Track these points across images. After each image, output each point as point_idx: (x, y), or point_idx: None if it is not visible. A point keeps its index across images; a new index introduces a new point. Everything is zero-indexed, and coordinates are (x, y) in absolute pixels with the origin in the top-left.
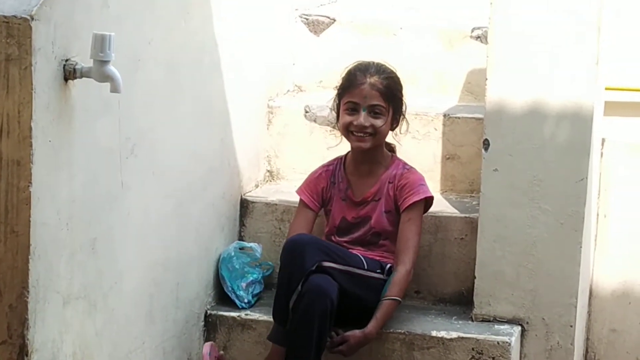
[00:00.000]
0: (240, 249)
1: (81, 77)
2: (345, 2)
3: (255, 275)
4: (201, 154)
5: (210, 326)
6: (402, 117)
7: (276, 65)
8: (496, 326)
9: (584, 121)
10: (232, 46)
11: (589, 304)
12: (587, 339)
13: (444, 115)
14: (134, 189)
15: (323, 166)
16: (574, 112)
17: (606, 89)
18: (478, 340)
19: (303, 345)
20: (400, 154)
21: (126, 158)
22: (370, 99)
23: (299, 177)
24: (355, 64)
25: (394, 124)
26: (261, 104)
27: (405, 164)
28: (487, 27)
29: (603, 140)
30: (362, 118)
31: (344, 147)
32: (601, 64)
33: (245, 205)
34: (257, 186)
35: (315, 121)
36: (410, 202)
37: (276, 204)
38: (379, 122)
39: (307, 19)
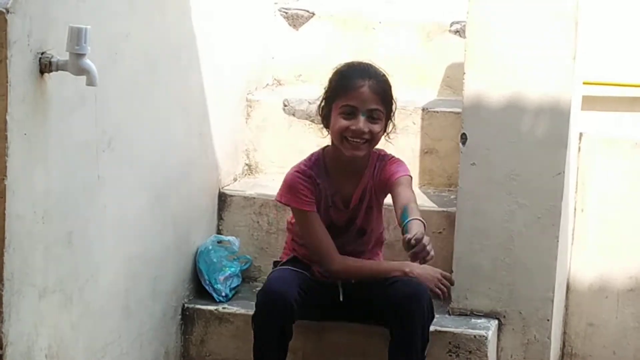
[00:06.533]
0: (218, 242)
1: (57, 70)
2: None
3: (233, 269)
4: (179, 148)
5: (188, 320)
6: (391, 120)
7: (255, 58)
8: (473, 320)
9: (561, 115)
10: (210, 39)
11: (566, 298)
12: (564, 333)
13: (423, 110)
14: (110, 183)
15: (300, 173)
16: (552, 106)
17: (584, 83)
18: (455, 334)
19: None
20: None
21: (103, 151)
22: (369, 102)
23: (278, 171)
24: (346, 65)
25: (386, 128)
26: (240, 98)
27: (380, 153)
28: (466, 21)
29: (580, 134)
30: (362, 123)
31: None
32: (578, 57)
33: (223, 199)
34: (235, 180)
35: (294, 115)
36: (396, 177)
37: (254, 198)
38: (376, 128)
39: (286, 13)
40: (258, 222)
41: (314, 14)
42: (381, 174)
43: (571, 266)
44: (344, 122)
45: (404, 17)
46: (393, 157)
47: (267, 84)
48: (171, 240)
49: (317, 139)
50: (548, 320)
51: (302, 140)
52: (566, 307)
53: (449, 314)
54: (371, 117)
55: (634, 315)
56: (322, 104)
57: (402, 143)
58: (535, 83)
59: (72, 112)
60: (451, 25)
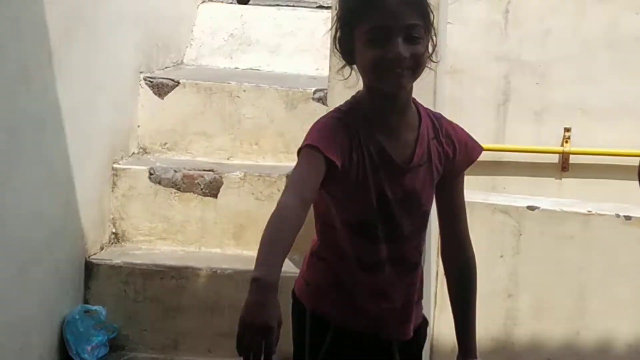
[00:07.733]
0: (84, 311)
1: None
2: (190, 65)
3: (100, 338)
4: (44, 217)
5: None
6: (432, 38)
7: (121, 127)
8: None
9: None
10: (75, 109)
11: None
12: None
13: (287, 176)
14: None
15: (331, 117)
16: None
17: None
18: None
19: None
20: (242, 215)
21: None
22: (404, 17)
23: (144, 239)
24: None
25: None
26: (106, 166)
27: (424, 107)
28: (327, 89)
29: None
30: (400, 47)
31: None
32: None
33: (89, 268)
34: (102, 248)
35: (160, 183)
36: (474, 158)
37: (121, 266)
38: (420, 48)
39: (151, 82)
40: (125, 290)
41: (179, 82)
42: (450, 140)
43: (434, 329)
44: (376, 52)
45: (269, 85)
46: (443, 116)
47: (133, 153)
48: (37, 310)
49: (184, 207)
50: None
51: (168, 208)
52: None
53: None
54: (410, 37)
55: None
56: (338, 33)
57: (268, 210)
58: None
59: None
60: (314, 93)
